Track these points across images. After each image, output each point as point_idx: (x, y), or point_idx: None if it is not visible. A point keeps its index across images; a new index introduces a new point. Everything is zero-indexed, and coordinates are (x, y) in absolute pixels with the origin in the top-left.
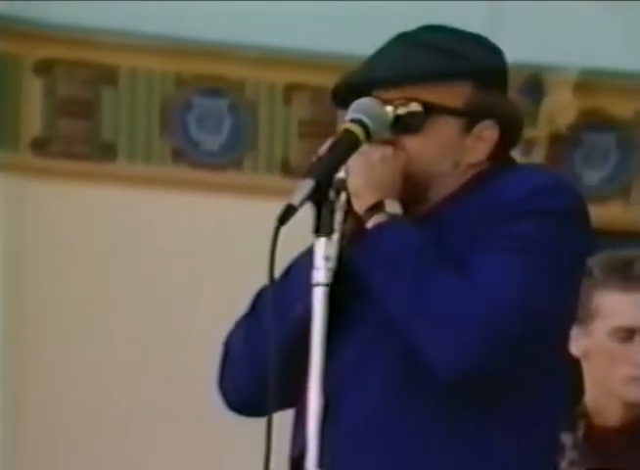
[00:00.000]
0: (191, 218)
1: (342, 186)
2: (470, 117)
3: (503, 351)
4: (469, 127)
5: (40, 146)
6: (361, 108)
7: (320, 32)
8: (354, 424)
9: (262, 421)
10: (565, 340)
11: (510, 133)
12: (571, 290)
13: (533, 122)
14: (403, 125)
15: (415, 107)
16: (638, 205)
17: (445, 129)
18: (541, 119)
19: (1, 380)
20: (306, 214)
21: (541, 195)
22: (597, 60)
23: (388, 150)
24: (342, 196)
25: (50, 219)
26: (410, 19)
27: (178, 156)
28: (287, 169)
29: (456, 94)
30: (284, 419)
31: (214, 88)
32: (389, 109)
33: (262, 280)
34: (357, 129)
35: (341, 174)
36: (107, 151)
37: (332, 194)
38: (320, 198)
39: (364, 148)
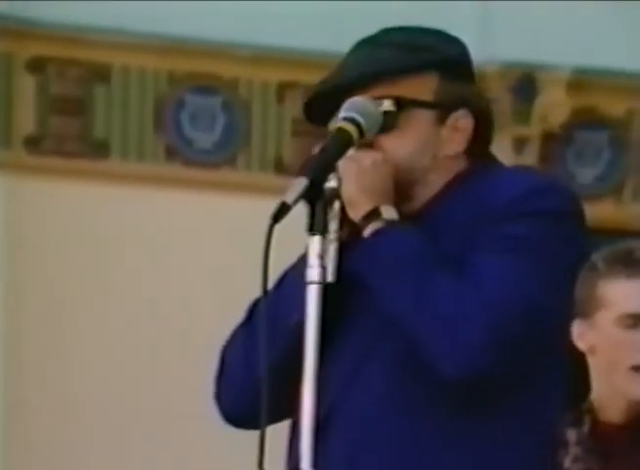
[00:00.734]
0: (184, 216)
1: (336, 195)
2: (441, 107)
3: (504, 349)
4: (442, 118)
5: (33, 144)
6: (354, 106)
7: (313, 31)
8: (356, 424)
9: None
10: (563, 336)
11: (484, 123)
12: (567, 287)
13: (526, 121)
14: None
15: (388, 105)
16: (630, 203)
17: (419, 123)
18: (534, 118)
19: None
20: (300, 213)
21: (536, 196)
22: (589, 58)
23: (379, 155)
24: (336, 204)
25: (43, 217)
26: (402, 18)
27: (171, 154)
28: (280, 167)
29: (425, 86)
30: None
31: (207, 86)
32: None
33: (256, 278)
34: (351, 128)
35: (332, 183)
36: (100, 149)
37: (325, 196)
38: (314, 196)
39: (352, 153)
